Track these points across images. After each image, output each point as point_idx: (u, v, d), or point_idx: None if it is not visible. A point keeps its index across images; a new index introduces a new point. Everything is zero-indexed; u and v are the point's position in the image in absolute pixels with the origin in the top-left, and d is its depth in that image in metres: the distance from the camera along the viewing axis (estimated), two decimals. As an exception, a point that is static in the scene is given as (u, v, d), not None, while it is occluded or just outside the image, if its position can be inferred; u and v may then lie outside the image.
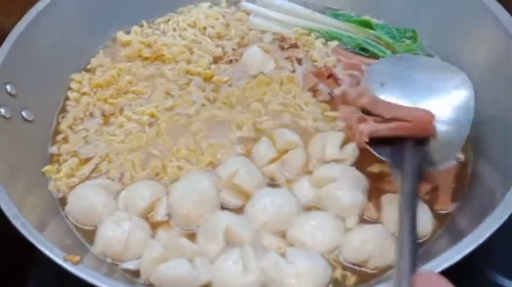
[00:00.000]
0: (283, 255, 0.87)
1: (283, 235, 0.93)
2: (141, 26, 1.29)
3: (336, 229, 0.91)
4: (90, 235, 0.96)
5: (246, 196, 0.97)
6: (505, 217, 0.82)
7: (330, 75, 1.15)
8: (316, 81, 1.14)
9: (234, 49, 1.22)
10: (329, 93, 1.13)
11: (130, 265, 0.91)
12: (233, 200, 0.97)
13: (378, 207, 0.95)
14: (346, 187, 0.94)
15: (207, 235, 0.91)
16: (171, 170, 1.02)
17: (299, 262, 0.85)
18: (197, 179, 0.96)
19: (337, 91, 1.12)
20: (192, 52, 1.21)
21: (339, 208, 0.94)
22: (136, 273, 0.90)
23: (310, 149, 1.03)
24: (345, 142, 1.02)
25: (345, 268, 0.90)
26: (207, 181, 0.96)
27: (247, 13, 1.29)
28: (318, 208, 0.96)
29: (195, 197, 0.93)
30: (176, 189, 0.96)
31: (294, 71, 1.17)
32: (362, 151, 0.99)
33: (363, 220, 0.94)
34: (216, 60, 1.21)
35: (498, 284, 1.00)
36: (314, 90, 1.14)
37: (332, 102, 1.11)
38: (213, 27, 1.26)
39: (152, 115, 1.11)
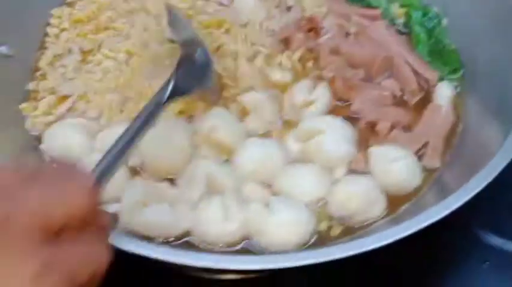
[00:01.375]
0: (266, 205, 0.85)
1: (268, 186, 0.91)
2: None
3: (322, 180, 0.90)
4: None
5: (228, 151, 0.93)
6: (497, 172, 0.79)
7: (311, 29, 1.10)
8: (292, 31, 1.09)
9: (224, -10, 1.17)
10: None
11: (110, 207, 0.87)
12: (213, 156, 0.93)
13: (366, 159, 0.93)
14: (333, 139, 0.91)
15: (187, 181, 0.89)
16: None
17: (282, 212, 0.83)
18: (168, 124, 0.92)
19: (321, 41, 1.08)
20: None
21: (326, 159, 0.91)
22: (114, 217, 0.86)
23: (281, 98, 1.01)
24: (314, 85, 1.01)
25: (330, 219, 0.88)
26: (180, 126, 0.93)
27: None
28: (304, 160, 0.93)
29: (164, 141, 0.90)
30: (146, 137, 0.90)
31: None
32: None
33: (351, 171, 0.92)
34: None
35: (482, 241, 0.99)
36: (286, 41, 1.08)
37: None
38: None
39: (128, 52, 1.06)
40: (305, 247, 0.84)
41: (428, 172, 0.94)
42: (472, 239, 0.99)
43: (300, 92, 0.99)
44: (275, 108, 0.99)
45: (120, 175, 0.86)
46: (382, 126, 0.96)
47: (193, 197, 0.87)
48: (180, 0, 1.13)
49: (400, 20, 1.15)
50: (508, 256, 0.97)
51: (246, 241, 0.85)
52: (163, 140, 0.90)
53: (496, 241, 0.99)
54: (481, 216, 0.99)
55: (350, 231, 0.87)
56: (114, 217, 0.86)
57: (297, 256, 0.72)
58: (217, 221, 0.84)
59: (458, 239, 0.98)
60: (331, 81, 1.01)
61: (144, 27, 1.10)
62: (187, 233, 0.85)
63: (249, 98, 0.99)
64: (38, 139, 0.98)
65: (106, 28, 1.11)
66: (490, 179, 0.78)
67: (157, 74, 1.02)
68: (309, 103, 0.99)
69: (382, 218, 0.88)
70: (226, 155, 0.93)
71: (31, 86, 1.05)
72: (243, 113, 0.98)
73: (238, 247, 0.84)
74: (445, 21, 1.13)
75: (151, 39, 1.08)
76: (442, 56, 1.08)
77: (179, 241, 0.85)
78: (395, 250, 0.85)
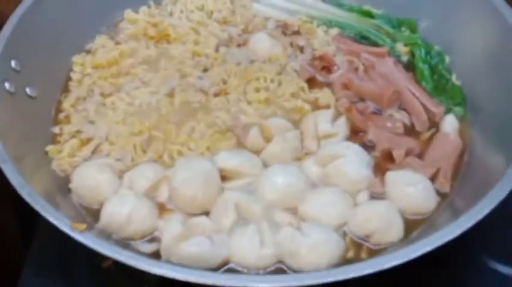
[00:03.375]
0: (297, 229, 0.88)
1: (293, 211, 0.94)
2: (149, 6, 1.31)
3: (345, 203, 0.94)
4: (95, 214, 0.95)
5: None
6: (503, 196, 0.85)
7: (324, 67, 1.18)
8: (311, 72, 1.17)
9: (239, 34, 1.24)
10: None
11: (143, 247, 0.91)
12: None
13: (383, 183, 0.97)
14: (353, 162, 0.96)
15: (218, 212, 0.93)
16: (173, 154, 1.03)
17: (314, 235, 0.87)
18: (199, 163, 0.96)
19: (333, 77, 1.16)
20: (198, 34, 1.23)
21: (348, 182, 0.96)
22: (154, 255, 0.90)
23: (303, 128, 1.05)
24: (335, 118, 1.06)
25: (356, 246, 0.92)
26: (209, 164, 0.96)
27: (252, 0, 1.32)
28: (325, 185, 0.97)
29: (200, 180, 0.93)
30: (179, 172, 0.95)
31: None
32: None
33: (369, 196, 0.97)
34: (223, 44, 1.22)
35: (492, 269, 1.03)
36: (310, 81, 1.16)
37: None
38: (219, 11, 1.28)
39: (150, 97, 1.11)
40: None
41: (439, 196, 0.98)
42: (482, 268, 1.03)
43: (321, 124, 1.04)
44: (298, 134, 1.03)
45: (144, 207, 0.92)
46: (397, 154, 1.01)
47: (225, 226, 0.90)
48: (205, 46, 1.20)
49: (405, 58, 1.22)
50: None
51: (279, 263, 0.88)
52: (197, 177, 0.94)
53: (506, 270, 1.03)
54: (491, 246, 1.04)
55: (373, 255, 0.90)
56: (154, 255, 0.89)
57: (327, 273, 0.78)
58: (254, 247, 0.87)
59: (470, 268, 1.03)
60: (348, 110, 1.07)
61: (168, 74, 1.15)
62: (227, 261, 0.88)
63: (273, 123, 1.04)
64: (65, 180, 1.01)
65: (127, 73, 1.17)
66: (496, 202, 0.84)
67: (182, 118, 1.08)
68: (331, 135, 1.04)
69: (401, 241, 0.92)
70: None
71: (56, 129, 1.09)
72: (267, 139, 1.02)
73: (272, 269, 0.88)
74: (447, 59, 1.20)
75: (176, 85, 1.13)
76: (446, 91, 1.15)
77: (222, 269, 0.88)
78: (408, 278, 0.90)
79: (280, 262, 0.88)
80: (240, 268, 0.88)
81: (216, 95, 1.12)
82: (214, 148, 1.03)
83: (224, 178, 0.98)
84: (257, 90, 1.12)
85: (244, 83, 1.13)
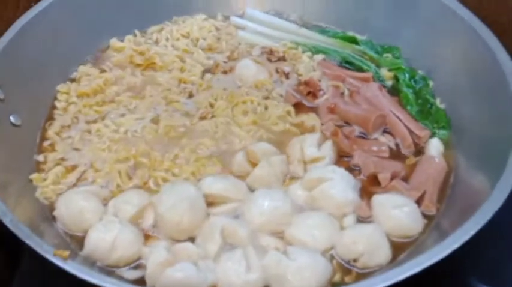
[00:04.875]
0: (283, 254, 0.88)
1: (280, 235, 0.94)
2: (134, 35, 1.31)
3: (332, 227, 0.94)
4: (80, 242, 0.94)
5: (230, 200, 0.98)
6: (489, 216, 0.85)
7: (309, 92, 1.19)
8: (297, 98, 1.17)
9: (225, 62, 1.26)
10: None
11: (128, 274, 0.90)
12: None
13: (369, 207, 0.97)
14: (339, 186, 0.96)
15: (204, 237, 0.92)
16: (158, 180, 1.03)
17: (300, 258, 0.87)
18: (184, 188, 0.96)
19: (319, 101, 1.17)
20: (184, 61, 1.24)
21: (334, 206, 0.96)
22: (139, 282, 0.89)
23: (289, 152, 1.06)
24: (321, 142, 1.06)
25: (343, 270, 0.91)
26: (194, 189, 0.96)
27: (237, 27, 1.33)
28: (312, 209, 0.97)
29: (185, 205, 0.93)
30: (164, 198, 0.95)
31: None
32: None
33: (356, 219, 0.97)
34: (208, 71, 1.23)
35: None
36: (296, 106, 1.17)
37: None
38: (205, 39, 1.30)
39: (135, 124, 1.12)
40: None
41: (426, 219, 0.98)
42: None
43: (308, 148, 1.04)
44: (284, 158, 1.04)
45: (129, 233, 0.91)
46: (383, 177, 1.01)
47: (211, 251, 0.90)
48: (191, 74, 1.21)
49: (389, 83, 1.23)
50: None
51: None
52: (183, 203, 0.93)
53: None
54: (477, 267, 1.02)
55: (360, 278, 0.89)
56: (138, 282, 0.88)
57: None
58: (240, 272, 0.87)
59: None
60: (334, 134, 1.08)
61: (154, 101, 1.16)
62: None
63: (259, 148, 1.04)
64: (49, 208, 1.00)
65: (112, 101, 1.17)
66: (482, 224, 0.84)
67: (167, 143, 1.08)
68: (318, 159, 1.04)
69: (388, 263, 0.91)
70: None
71: (40, 157, 1.08)
72: (253, 163, 1.03)
73: None
74: (431, 83, 1.21)
75: (162, 111, 1.14)
76: (430, 115, 1.15)
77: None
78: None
79: (268, 286, 0.87)
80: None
81: (202, 118, 1.13)
82: (199, 173, 1.03)
83: (210, 203, 0.97)
84: (244, 113, 1.13)
85: (231, 106, 1.14)
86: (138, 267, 0.92)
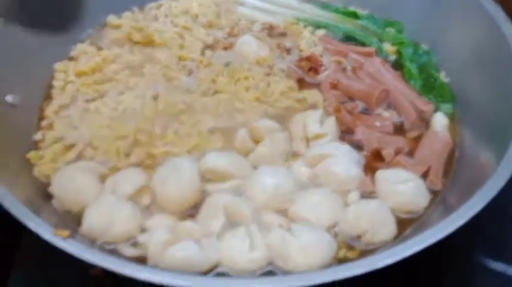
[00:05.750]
0: (287, 231, 0.87)
1: (284, 212, 0.93)
2: (132, 12, 1.29)
3: (336, 203, 0.93)
4: (77, 219, 0.92)
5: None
6: (495, 192, 0.84)
7: (311, 68, 1.17)
8: (299, 73, 1.16)
9: (225, 38, 1.24)
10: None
11: (128, 251, 0.89)
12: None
13: (373, 182, 0.96)
14: (342, 162, 0.95)
15: (206, 215, 0.91)
16: (157, 156, 1.01)
17: (304, 236, 0.86)
18: (176, 161, 0.95)
19: (321, 77, 1.15)
20: (183, 38, 1.22)
21: (338, 182, 0.95)
22: (139, 259, 0.88)
23: (292, 129, 1.04)
24: (324, 119, 1.05)
25: (347, 246, 0.91)
26: (188, 162, 0.95)
27: (237, 3, 1.31)
28: (315, 185, 0.96)
29: (175, 176, 0.92)
30: (157, 174, 0.95)
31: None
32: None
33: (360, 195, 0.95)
34: (208, 48, 1.21)
35: (485, 266, 1.02)
36: (298, 82, 1.15)
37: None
38: (204, 15, 1.27)
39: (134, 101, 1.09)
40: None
41: (431, 194, 0.97)
42: (475, 264, 1.02)
43: (310, 124, 1.03)
44: (287, 135, 1.03)
45: (127, 210, 0.90)
46: (386, 153, 1.00)
47: (214, 230, 0.89)
48: (190, 50, 1.19)
49: (392, 57, 1.22)
50: (510, 281, 1.00)
51: (270, 265, 0.86)
52: (173, 177, 0.93)
53: (498, 266, 1.02)
54: (484, 242, 1.03)
55: (365, 254, 0.89)
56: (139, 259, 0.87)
57: (318, 273, 0.77)
58: (244, 250, 0.86)
59: (462, 264, 1.02)
60: (336, 110, 1.06)
61: (153, 78, 1.14)
62: (216, 265, 0.87)
63: (262, 125, 1.02)
64: (47, 186, 0.98)
65: (111, 79, 1.15)
66: (487, 199, 0.83)
67: (169, 121, 1.06)
68: (321, 136, 1.03)
69: (393, 239, 0.91)
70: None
71: (38, 136, 1.07)
72: (256, 141, 1.01)
73: (263, 271, 0.86)
74: (435, 57, 1.19)
75: (162, 89, 1.12)
76: (434, 89, 1.14)
77: (211, 273, 0.86)
78: (401, 276, 0.89)
79: (271, 264, 0.87)
80: (230, 272, 0.86)
81: (204, 94, 1.11)
82: (202, 148, 1.01)
83: (212, 180, 0.96)
84: (247, 89, 1.11)
85: (233, 81, 1.12)
86: (136, 244, 0.90)
